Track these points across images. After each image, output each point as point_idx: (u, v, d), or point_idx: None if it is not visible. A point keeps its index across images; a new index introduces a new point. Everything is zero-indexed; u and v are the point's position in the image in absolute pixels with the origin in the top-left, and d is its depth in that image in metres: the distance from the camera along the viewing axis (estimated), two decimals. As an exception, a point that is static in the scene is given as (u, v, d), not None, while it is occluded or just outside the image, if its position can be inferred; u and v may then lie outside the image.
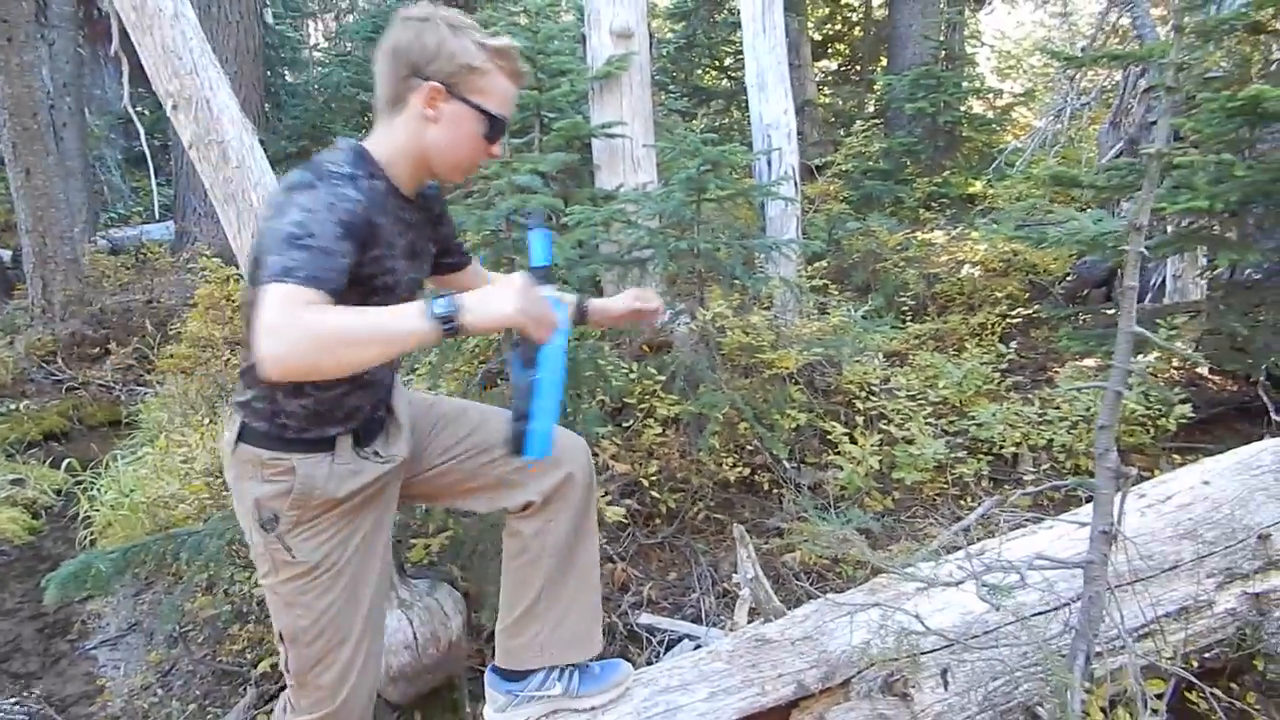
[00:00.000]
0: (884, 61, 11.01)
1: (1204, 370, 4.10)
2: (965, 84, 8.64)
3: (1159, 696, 1.80)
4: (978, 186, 7.84)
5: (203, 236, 8.35)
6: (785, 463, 3.42)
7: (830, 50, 13.17)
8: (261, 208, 1.36)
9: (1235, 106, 3.17)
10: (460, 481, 1.75)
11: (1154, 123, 4.13)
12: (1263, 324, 3.58)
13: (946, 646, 1.85)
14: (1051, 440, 3.45)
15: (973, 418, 3.62)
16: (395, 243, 1.46)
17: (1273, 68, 4.39)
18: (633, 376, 3.46)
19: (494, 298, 1.25)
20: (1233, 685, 2.07)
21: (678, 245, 3.54)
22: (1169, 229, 4.16)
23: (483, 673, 1.87)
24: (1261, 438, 2.65)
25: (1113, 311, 4.16)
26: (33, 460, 4.67)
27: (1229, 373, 3.96)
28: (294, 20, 13.25)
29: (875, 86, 10.08)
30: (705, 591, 2.85)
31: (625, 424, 3.43)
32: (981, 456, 3.44)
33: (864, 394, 3.75)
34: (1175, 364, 4.10)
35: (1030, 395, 3.84)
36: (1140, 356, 3.75)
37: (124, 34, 2.36)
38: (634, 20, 4.75)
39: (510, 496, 1.73)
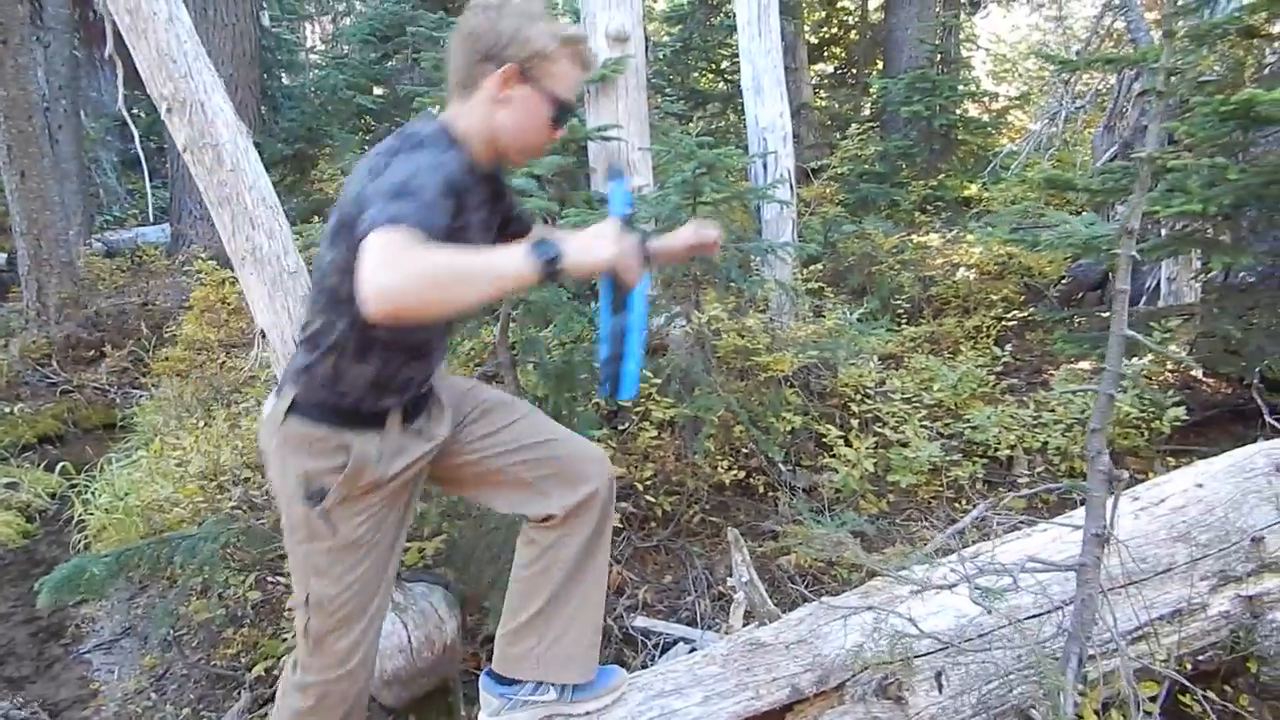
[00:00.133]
0: (880, 65, 11.05)
1: (1198, 373, 4.12)
2: (961, 87, 8.67)
3: (1152, 699, 1.80)
4: (973, 189, 7.86)
5: (198, 239, 8.34)
6: (780, 466, 3.42)
7: (826, 53, 13.20)
8: (352, 175, 1.41)
9: (1228, 110, 3.18)
10: (488, 474, 1.75)
11: (1148, 126, 4.14)
12: (1256, 327, 3.59)
13: (941, 649, 1.85)
14: (1046, 443, 3.46)
15: (968, 420, 3.63)
16: (473, 215, 1.50)
17: (1266, 72, 4.42)
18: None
19: (593, 243, 1.31)
20: (1226, 688, 2.07)
21: (673, 248, 3.53)
22: (1163, 232, 4.17)
23: (477, 676, 1.87)
24: (1255, 440, 2.66)
25: (1107, 314, 4.18)
26: (27, 464, 4.65)
27: (1223, 375, 3.97)
28: (290, 23, 13.23)
29: (871, 90, 10.10)
30: (701, 594, 2.85)
31: (620, 427, 3.44)
32: (976, 459, 3.44)
33: (859, 397, 3.76)
34: (1169, 367, 4.11)
35: (1025, 398, 3.84)
36: (1134, 359, 3.76)
37: (119, 37, 2.35)
38: (630, 23, 4.75)
39: (533, 504, 1.73)
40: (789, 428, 3.44)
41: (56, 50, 9.39)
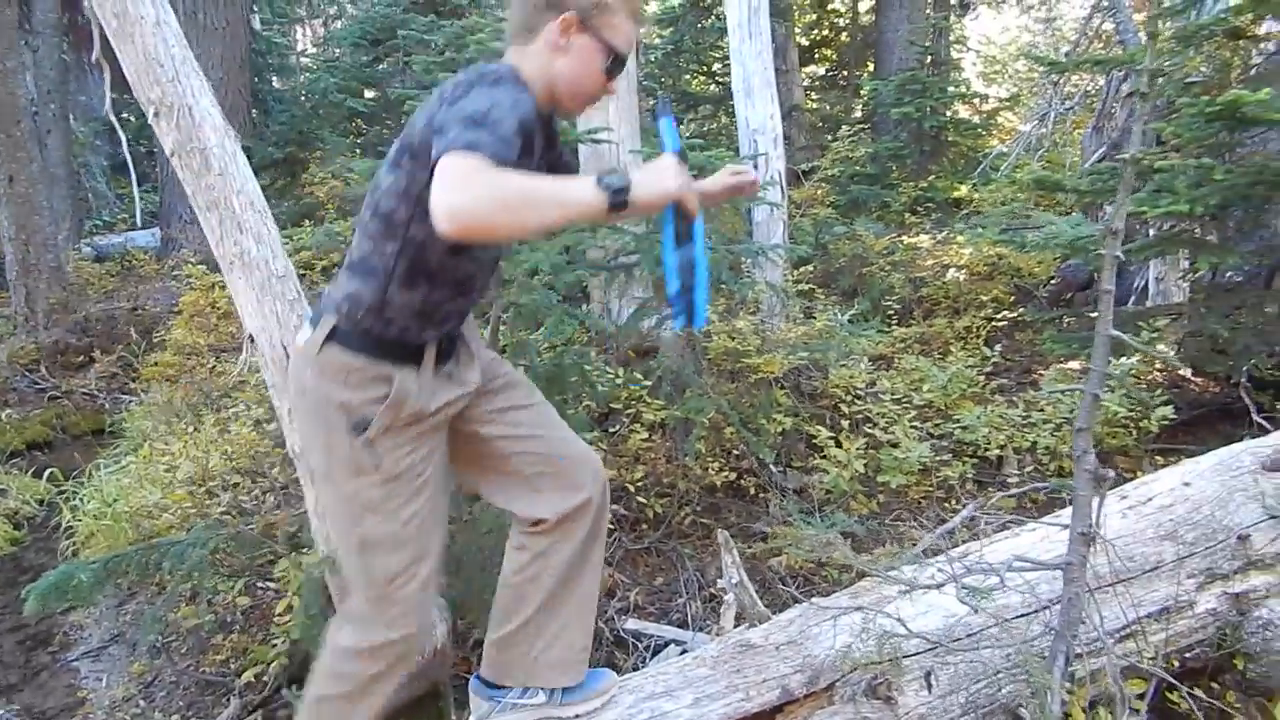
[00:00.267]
0: (871, 67, 11.08)
1: (1186, 372, 4.14)
2: (951, 89, 8.71)
3: (1140, 697, 1.81)
4: (963, 191, 7.90)
5: (188, 244, 8.29)
6: (771, 467, 3.43)
7: (817, 55, 13.24)
8: (433, 98, 1.43)
9: (1214, 111, 3.20)
10: (493, 456, 1.72)
11: (1132, 128, 4.17)
12: (1243, 326, 3.61)
13: (930, 649, 1.86)
14: (1035, 442, 3.48)
15: (957, 421, 3.64)
16: (534, 158, 1.52)
17: (1252, 73, 4.45)
18: (619, 382, 3.46)
19: (657, 176, 1.35)
20: (1213, 684, 2.08)
21: (664, 250, 3.54)
22: (1151, 233, 4.20)
23: (468, 680, 1.87)
24: (1243, 438, 2.67)
25: (1095, 315, 4.20)
26: (15, 470, 4.63)
27: (1211, 374, 3.99)
28: (281, 26, 13.21)
29: (862, 92, 10.13)
30: (692, 596, 2.85)
31: (611, 429, 3.44)
32: (966, 459, 3.46)
33: (850, 398, 3.77)
34: (1158, 366, 4.14)
35: (1015, 398, 3.86)
36: (1122, 359, 3.78)
37: (105, 41, 2.34)
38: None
39: (526, 502, 1.71)
40: (780, 429, 3.45)
41: (45, 54, 9.35)
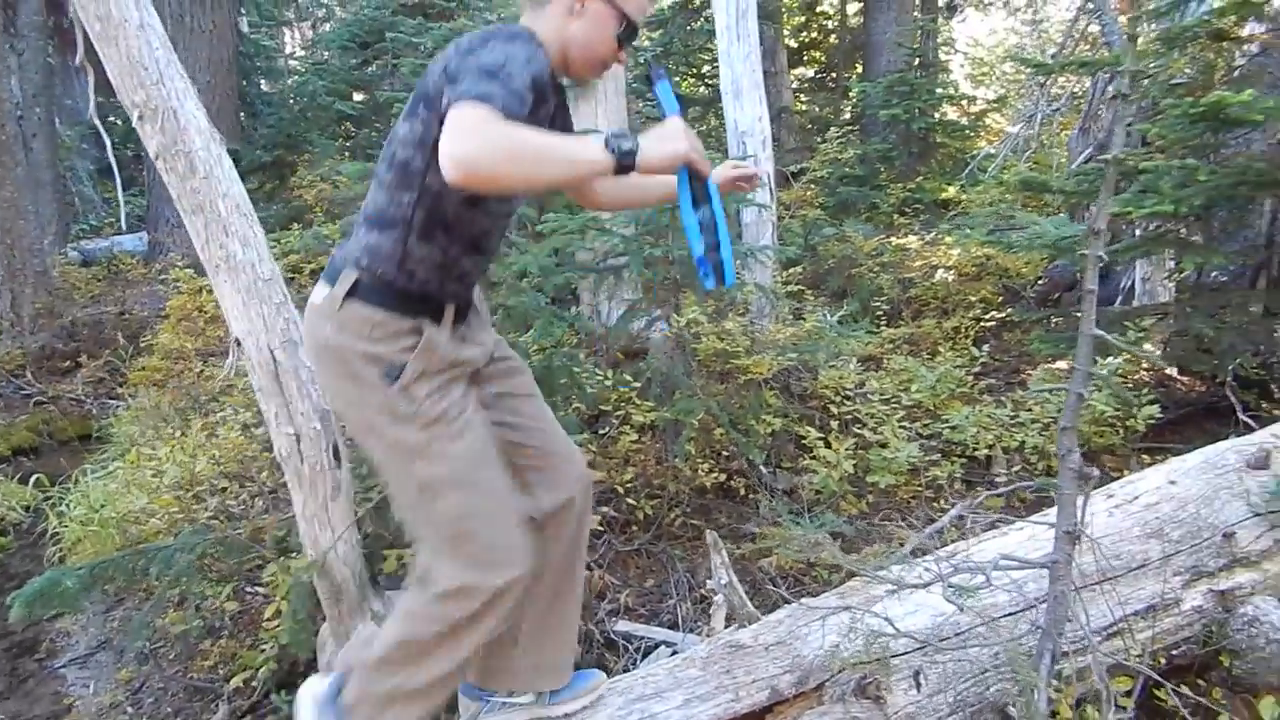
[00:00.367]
0: (859, 69, 11.12)
1: (1173, 371, 4.17)
2: (939, 90, 8.74)
3: (1128, 694, 1.82)
4: (951, 192, 7.93)
5: (176, 248, 8.25)
6: (761, 468, 3.43)
7: (806, 57, 13.29)
8: (449, 49, 1.45)
9: (1198, 113, 3.22)
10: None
11: (1114, 129, 4.20)
12: (1228, 325, 3.64)
13: (919, 648, 1.86)
14: (1024, 442, 3.49)
15: (946, 421, 3.65)
16: (543, 119, 1.52)
17: (1235, 74, 4.48)
18: (608, 383, 3.46)
19: (665, 137, 1.39)
20: (1200, 681, 2.09)
21: (653, 252, 3.54)
22: (1137, 233, 4.22)
23: (455, 683, 1.86)
24: (1229, 437, 2.70)
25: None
26: (1, 476, 4.58)
27: (1197, 373, 4.02)
28: (270, 29, 13.15)
29: (850, 93, 10.18)
30: (682, 597, 2.85)
31: (601, 431, 3.43)
32: (955, 459, 3.47)
33: (839, 398, 3.78)
34: (1145, 366, 4.16)
35: (1003, 398, 3.87)
36: (1110, 359, 3.80)
37: (89, 44, 2.33)
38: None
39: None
40: (769, 430, 3.46)
41: (30, 57, 9.28)
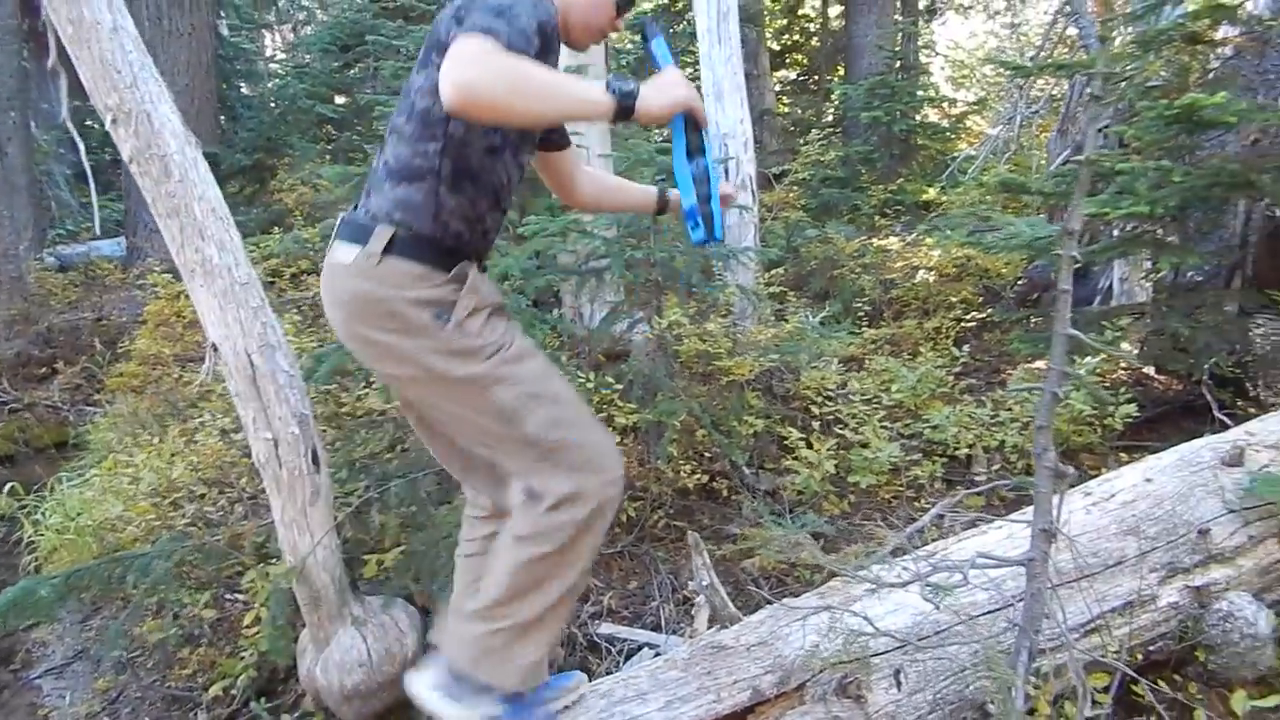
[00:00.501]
0: (841, 71, 11.18)
1: (1150, 370, 4.21)
2: (920, 93, 8.81)
3: (1104, 690, 1.84)
4: (932, 193, 7.98)
5: (154, 252, 8.14)
6: (744, 469, 3.44)
7: (789, 60, 13.36)
8: (446, 8, 1.47)
9: (1173, 115, 3.26)
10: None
11: (1099, 130, 4.25)
12: (1204, 325, 3.68)
13: (899, 647, 1.87)
14: (1004, 441, 3.52)
15: (927, 420, 3.67)
16: (552, 63, 1.52)
17: (1210, 76, 4.54)
18: (590, 385, 3.45)
19: (666, 85, 1.41)
20: (1176, 676, 2.12)
21: (634, 254, 3.54)
22: (1115, 234, 4.26)
23: (438, 689, 1.85)
24: (1205, 435, 2.73)
25: (1062, 314, 4.25)
26: (-25, 485, 4.52)
27: (1174, 372, 4.07)
28: (250, 32, 13.06)
29: (832, 96, 10.23)
30: (665, 599, 2.84)
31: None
32: (936, 458, 3.49)
33: (820, 399, 3.79)
34: (1123, 365, 4.20)
35: (983, 397, 3.90)
36: (1087, 358, 3.84)
37: (62, 47, 2.30)
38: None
39: (489, 484, 1.73)
40: (751, 431, 3.46)
41: (4, 60, 9.12)
